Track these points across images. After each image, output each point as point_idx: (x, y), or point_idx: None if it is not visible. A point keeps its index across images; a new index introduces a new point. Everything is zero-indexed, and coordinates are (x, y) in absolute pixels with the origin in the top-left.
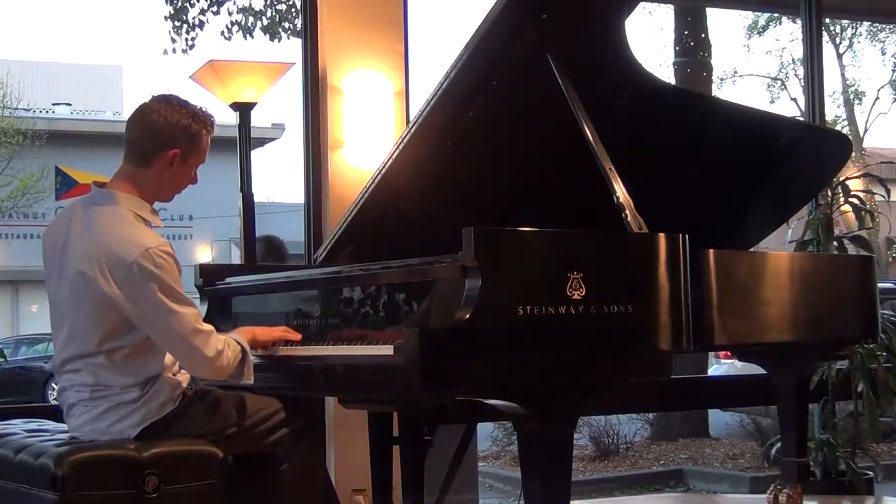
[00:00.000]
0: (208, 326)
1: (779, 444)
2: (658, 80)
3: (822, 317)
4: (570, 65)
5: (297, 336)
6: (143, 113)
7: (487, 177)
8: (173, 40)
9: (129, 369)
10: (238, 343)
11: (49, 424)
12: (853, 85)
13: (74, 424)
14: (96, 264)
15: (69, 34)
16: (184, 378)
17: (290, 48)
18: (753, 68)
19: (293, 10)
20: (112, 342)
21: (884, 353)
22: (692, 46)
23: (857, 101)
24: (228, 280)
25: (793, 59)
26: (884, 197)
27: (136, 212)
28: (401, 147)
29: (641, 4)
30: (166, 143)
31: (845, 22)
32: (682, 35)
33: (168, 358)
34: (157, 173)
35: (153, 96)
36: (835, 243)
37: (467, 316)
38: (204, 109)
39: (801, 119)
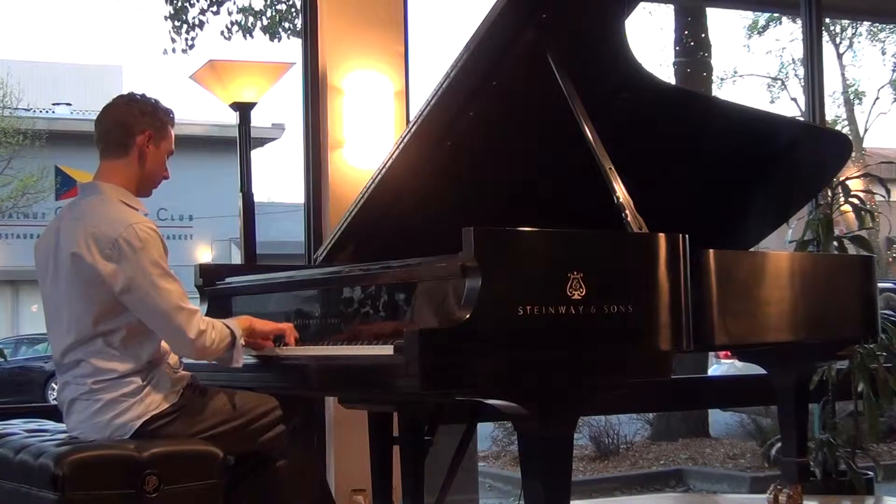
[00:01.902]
0: (193, 306)
1: (779, 444)
2: (658, 81)
3: (822, 317)
4: (569, 65)
5: (294, 337)
6: (108, 109)
7: (487, 177)
8: (173, 40)
9: (128, 353)
10: (228, 327)
11: (49, 424)
12: (853, 85)
13: (75, 421)
14: (84, 243)
15: (69, 34)
16: (186, 374)
17: (290, 48)
18: (753, 68)
19: (293, 10)
20: (107, 323)
21: (884, 353)
22: (692, 46)
23: (857, 101)
24: (228, 280)
25: (793, 59)
26: (884, 197)
27: (121, 199)
28: (401, 147)
29: (641, 4)
30: (137, 126)
31: (845, 22)
32: (682, 35)
33: (166, 346)
34: (134, 159)
35: (114, 97)
36: (835, 243)
37: (467, 316)
38: (163, 104)
39: (801, 119)
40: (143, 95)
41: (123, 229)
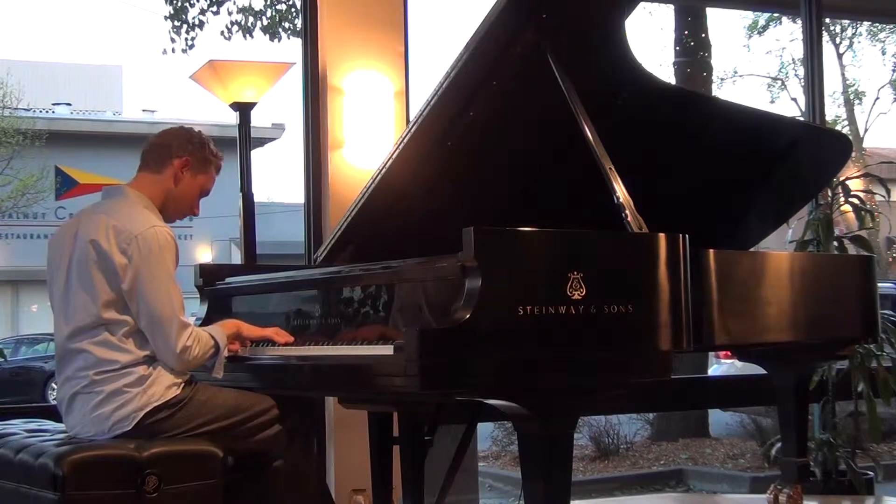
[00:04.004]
0: (186, 320)
1: (779, 444)
2: (658, 80)
3: (822, 317)
4: (569, 65)
5: (286, 338)
6: (162, 131)
7: (487, 177)
8: (173, 40)
9: (131, 345)
10: (212, 338)
11: (49, 424)
12: (853, 85)
13: (76, 418)
14: (104, 232)
15: (69, 34)
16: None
17: (290, 48)
18: (753, 68)
19: (293, 10)
20: (114, 314)
21: (884, 353)
22: (692, 46)
23: (857, 101)
24: (228, 280)
25: (793, 59)
26: (884, 197)
27: (145, 207)
28: (401, 147)
29: (641, 4)
30: (178, 150)
31: (845, 22)
32: (682, 35)
33: None
34: (167, 179)
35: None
36: (835, 243)
37: (467, 316)
38: (214, 146)
39: (801, 119)
40: (199, 132)
41: (145, 229)
